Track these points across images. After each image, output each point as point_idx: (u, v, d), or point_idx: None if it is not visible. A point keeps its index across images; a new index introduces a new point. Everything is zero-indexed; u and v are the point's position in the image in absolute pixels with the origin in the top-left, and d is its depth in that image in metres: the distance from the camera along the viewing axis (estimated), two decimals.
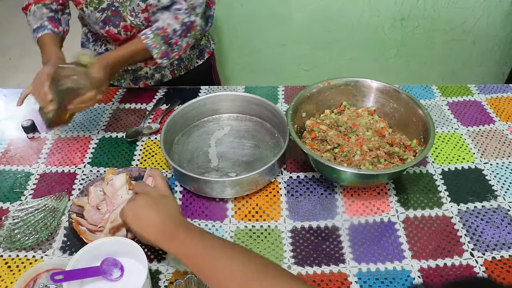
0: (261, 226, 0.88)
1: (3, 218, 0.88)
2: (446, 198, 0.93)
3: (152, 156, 1.04)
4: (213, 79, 1.47)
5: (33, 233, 0.85)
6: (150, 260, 0.82)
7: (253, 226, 0.88)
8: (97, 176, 0.99)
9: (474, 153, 1.03)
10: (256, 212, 0.91)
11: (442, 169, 0.99)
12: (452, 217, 0.89)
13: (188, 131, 1.09)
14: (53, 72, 0.93)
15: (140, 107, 1.19)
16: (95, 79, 0.96)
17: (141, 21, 1.12)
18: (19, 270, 0.81)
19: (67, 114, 0.98)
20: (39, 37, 1.06)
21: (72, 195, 0.95)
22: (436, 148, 1.05)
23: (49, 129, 1.00)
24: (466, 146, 1.05)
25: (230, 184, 0.89)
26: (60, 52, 1.04)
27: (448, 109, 1.16)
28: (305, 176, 0.98)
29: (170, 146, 1.03)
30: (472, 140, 1.07)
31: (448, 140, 1.07)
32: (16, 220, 0.88)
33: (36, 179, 0.99)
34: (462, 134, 1.08)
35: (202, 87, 1.25)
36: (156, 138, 1.09)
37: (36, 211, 0.89)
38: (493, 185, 0.95)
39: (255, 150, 1.03)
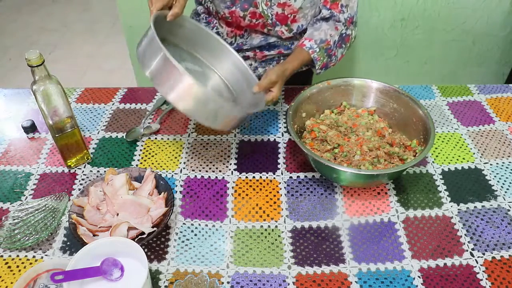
0: (261, 226, 0.88)
1: (3, 218, 0.88)
2: (446, 198, 0.93)
3: (152, 156, 1.04)
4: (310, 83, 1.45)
5: (33, 233, 0.85)
6: (150, 260, 0.82)
7: (253, 226, 0.88)
8: (97, 176, 0.99)
9: (474, 153, 1.03)
10: (256, 212, 0.91)
11: (442, 169, 0.99)
12: (452, 217, 0.89)
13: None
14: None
15: (140, 107, 1.19)
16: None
17: (272, 14, 1.11)
18: (19, 270, 0.81)
19: None
20: None
21: (72, 195, 0.95)
22: (436, 148, 1.05)
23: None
24: (466, 146, 1.05)
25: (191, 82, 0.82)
26: None
27: (448, 109, 1.16)
28: (305, 176, 0.98)
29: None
30: (472, 140, 1.07)
31: (448, 140, 1.07)
32: (16, 220, 0.88)
33: (36, 179, 0.99)
34: (462, 134, 1.08)
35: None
36: (156, 138, 1.09)
37: (36, 211, 0.89)
38: (493, 185, 0.95)
39: (233, 91, 1.05)
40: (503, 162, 1.01)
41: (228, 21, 1.18)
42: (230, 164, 1.01)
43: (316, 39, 1.07)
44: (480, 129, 1.10)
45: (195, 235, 0.87)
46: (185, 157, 1.03)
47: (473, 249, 0.83)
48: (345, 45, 1.13)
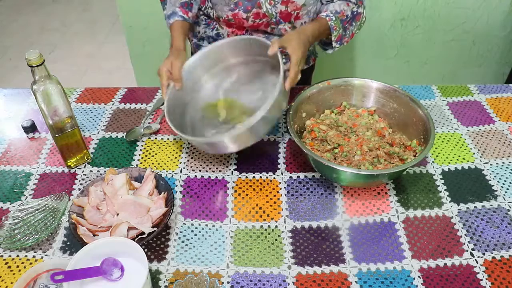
0: (261, 226, 0.88)
1: (3, 218, 0.88)
2: (446, 198, 0.93)
3: (152, 156, 1.04)
4: (310, 83, 1.46)
5: (33, 233, 0.85)
6: (150, 260, 0.82)
7: (253, 226, 0.88)
8: (97, 176, 0.99)
9: (474, 153, 1.03)
10: (256, 212, 0.91)
11: (442, 169, 0.99)
12: (452, 217, 0.89)
13: (198, 89, 1.08)
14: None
15: (140, 107, 1.19)
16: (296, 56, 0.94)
17: (276, 12, 1.11)
18: (19, 270, 0.81)
19: None
20: (171, 23, 1.11)
21: (72, 195, 0.95)
22: (436, 148, 1.05)
23: None
24: (466, 146, 1.05)
25: (229, 140, 0.87)
26: (183, 42, 1.07)
27: (448, 109, 1.16)
28: (305, 176, 0.98)
29: (183, 109, 1.03)
30: (472, 140, 1.07)
31: (448, 140, 1.07)
32: (16, 220, 0.88)
33: (36, 179, 0.99)
34: (462, 134, 1.08)
35: None
36: (156, 138, 1.09)
37: (36, 211, 0.89)
38: (493, 185, 0.95)
39: (261, 93, 1.03)
40: (503, 162, 1.01)
41: (230, 22, 1.18)
42: (230, 164, 1.01)
43: (331, 10, 1.08)
44: (480, 129, 1.10)
45: (195, 235, 0.87)
46: (185, 157, 1.03)
47: (473, 249, 0.83)
48: (356, 23, 1.14)
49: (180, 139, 1.08)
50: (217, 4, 1.14)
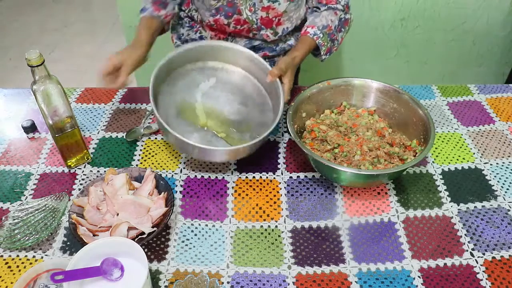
0: (261, 226, 0.88)
1: (3, 218, 0.88)
2: (446, 198, 0.93)
3: (152, 156, 1.04)
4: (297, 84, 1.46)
5: (33, 233, 0.85)
6: (150, 260, 0.82)
7: (253, 226, 0.88)
8: (97, 176, 0.99)
9: (474, 153, 1.03)
10: (256, 212, 0.91)
11: (442, 169, 0.99)
12: (452, 217, 0.89)
13: (172, 79, 1.04)
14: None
15: (140, 107, 1.19)
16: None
17: (257, 19, 1.11)
18: (19, 270, 0.81)
19: None
20: (140, 17, 1.14)
21: (72, 195, 0.95)
22: (436, 148, 1.05)
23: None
24: (466, 146, 1.05)
25: (229, 153, 0.92)
26: (146, 36, 1.08)
27: (448, 109, 1.16)
28: (305, 176, 0.98)
29: (155, 99, 0.96)
30: (472, 140, 1.07)
31: (448, 140, 1.07)
32: (16, 220, 0.88)
33: (36, 179, 0.99)
34: (462, 134, 1.08)
35: None
36: (156, 138, 1.09)
37: (36, 211, 0.89)
38: (493, 185, 0.95)
39: (242, 108, 1.05)
40: (503, 162, 1.01)
41: (213, 27, 1.18)
42: (230, 164, 1.01)
43: (319, 25, 1.09)
44: (480, 129, 1.10)
45: (195, 235, 0.87)
46: (185, 157, 1.03)
47: (473, 249, 0.83)
48: (344, 28, 1.16)
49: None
50: (200, 8, 1.14)
